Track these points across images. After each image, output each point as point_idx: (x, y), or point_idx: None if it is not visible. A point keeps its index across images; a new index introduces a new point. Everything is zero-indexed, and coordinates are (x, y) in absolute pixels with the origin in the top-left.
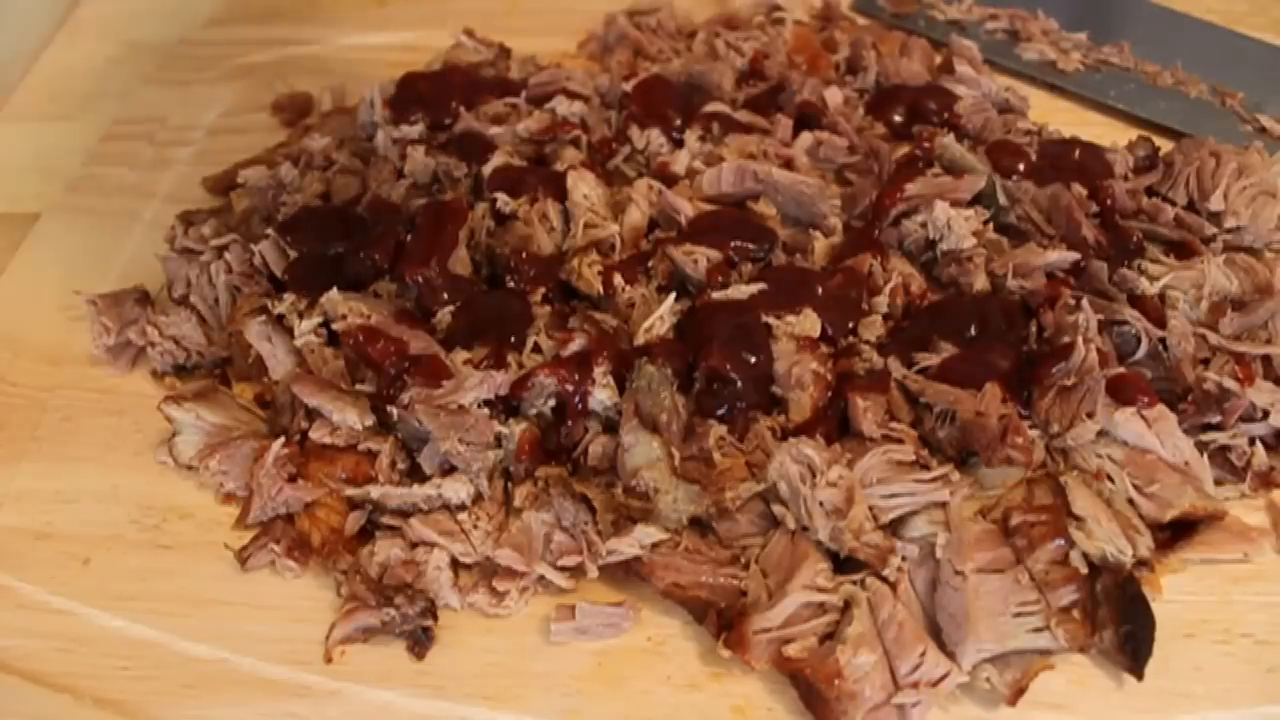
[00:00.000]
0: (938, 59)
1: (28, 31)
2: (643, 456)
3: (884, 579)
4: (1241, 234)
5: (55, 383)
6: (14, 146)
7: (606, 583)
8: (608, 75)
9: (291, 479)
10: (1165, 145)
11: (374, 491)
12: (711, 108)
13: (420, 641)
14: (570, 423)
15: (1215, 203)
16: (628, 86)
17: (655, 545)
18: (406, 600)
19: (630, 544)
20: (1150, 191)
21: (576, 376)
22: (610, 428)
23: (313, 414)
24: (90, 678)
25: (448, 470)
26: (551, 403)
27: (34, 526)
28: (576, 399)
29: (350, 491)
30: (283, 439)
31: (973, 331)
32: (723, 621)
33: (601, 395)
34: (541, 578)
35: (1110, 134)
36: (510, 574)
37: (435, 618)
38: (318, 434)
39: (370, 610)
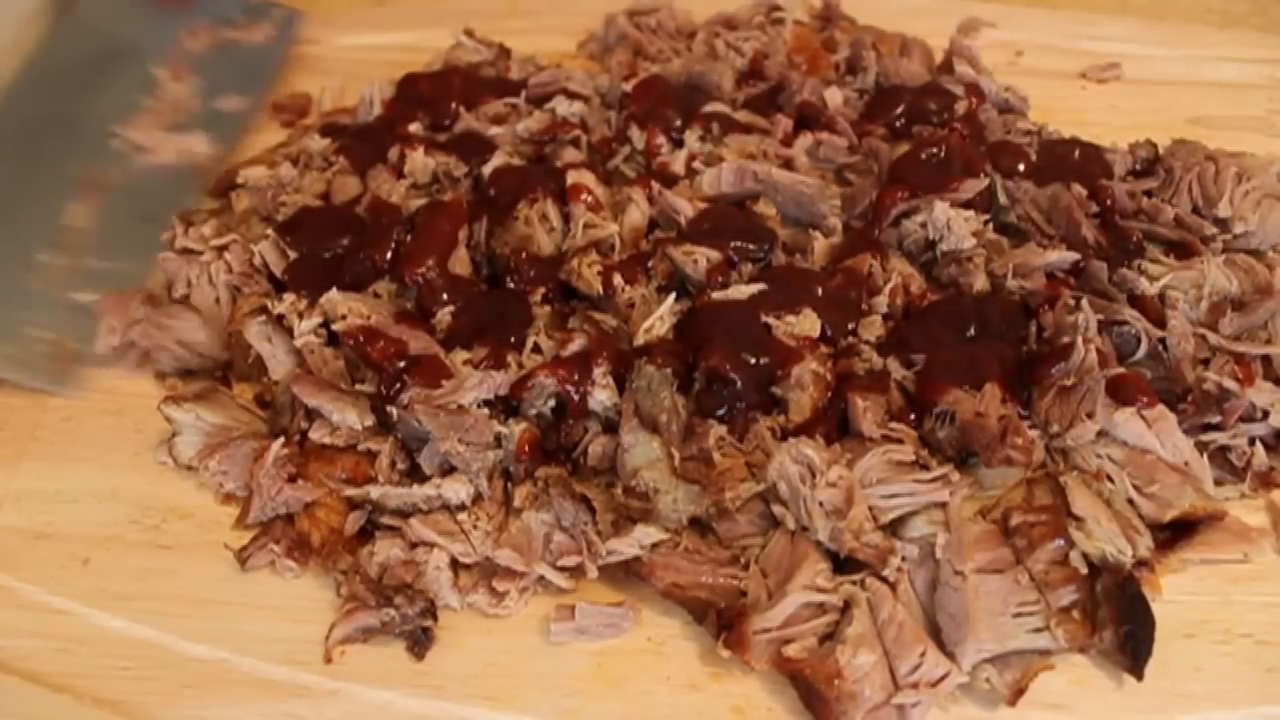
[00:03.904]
0: (937, 59)
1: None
2: (642, 457)
3: (884, 579)
4: (1248, 238)
5: None
6: None
7: (606, 583)
8: (608, 75)
9: (291, 479)
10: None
11: (374, 492)
12: (711, 108)
13: (420, 642)
14: (570, 422)
15: (1223, 209)
16: (628, 86)
17: (655, 545)
18: (406, 600)
19: (630, 544)
20: (1151, 196)
21: (576, 376)
22: (610, 428)
23: (313, 414)
24: (90, 678)
25: (447, 470)
26: (551, 403)
27: (34, 526)
28: (576, 399)
29: (350, 491)
30: (282, 439)
31: (973, 331)
32: (723, 622)
33: (601, 395)
34: (541, 578)
35: (1110, 134)
36: (510, 574)
37: (435, 618)
38: (318, 434)
39: (370, 610)
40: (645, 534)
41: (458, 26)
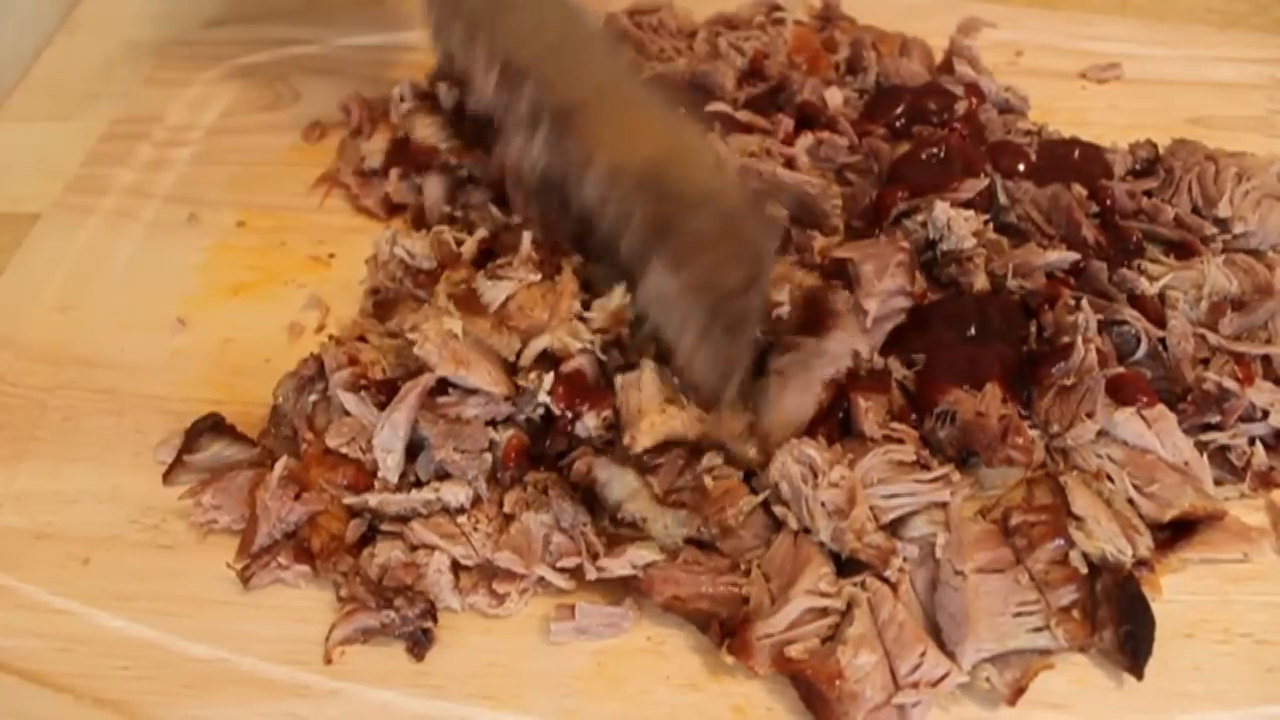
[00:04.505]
0: (937, 59)
1: (28, 31)
2: (621, 490)
3: (885, 579)
4: (1248, 238)
5: (55, 383)
6: (14, 146)
7: (606, 583)
8: None
9: (297, 496)
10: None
11: (372, 500)
12: (713, 107)
13: (419, 643)
14: (560, 428)
15: (1223, 209)
16: None
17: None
18: (406, 602)
19: (623, 565)
20: (1151, 196)
21: None
22: (599, 449)
23: (313, 420)
24: (90, 678)
25: (443, 475)
26: (540, 410)
27: (34, 526)
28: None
29: (349, 500)
30: (285, 458)
31: (973, 331)
32: (725, 630)
33: (588, 420)
34: (541, 578)
35: (1110, 134)
36: (510, 576)
37: (435, 619)
38: (334, 440)
39: (370, 612)
40: (638, 555)
41: None
